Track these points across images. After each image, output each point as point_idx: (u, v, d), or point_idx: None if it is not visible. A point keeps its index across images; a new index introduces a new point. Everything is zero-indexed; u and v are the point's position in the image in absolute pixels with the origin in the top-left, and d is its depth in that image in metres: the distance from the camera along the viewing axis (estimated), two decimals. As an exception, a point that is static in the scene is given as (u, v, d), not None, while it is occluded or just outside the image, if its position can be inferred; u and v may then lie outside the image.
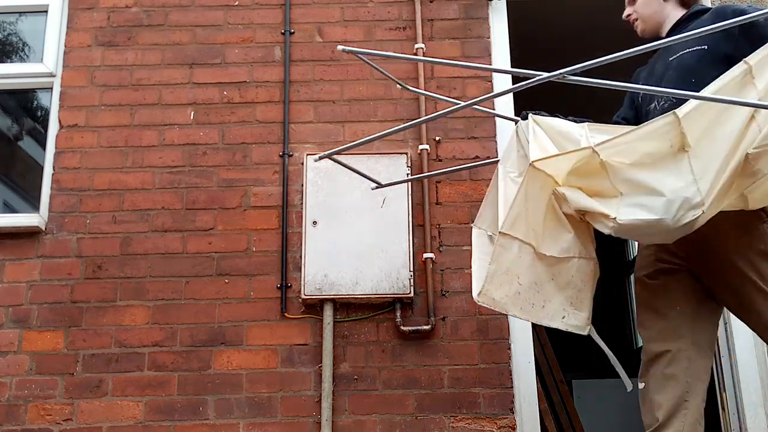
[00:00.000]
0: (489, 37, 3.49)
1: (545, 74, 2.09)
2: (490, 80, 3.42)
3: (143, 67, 3.48)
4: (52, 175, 3.33)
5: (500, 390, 3.02)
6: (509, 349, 3.08)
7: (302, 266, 3.10)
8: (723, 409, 3.27)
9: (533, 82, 2.15)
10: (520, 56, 3.62)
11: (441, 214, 3.24)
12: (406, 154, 3.25)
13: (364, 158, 3.23)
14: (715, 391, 3.45)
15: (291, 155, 3.33)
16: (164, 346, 3.10)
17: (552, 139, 2.38)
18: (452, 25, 3.52)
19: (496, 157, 3.30)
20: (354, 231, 3.13)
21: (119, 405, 3.03)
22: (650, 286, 2.41)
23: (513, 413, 2.99)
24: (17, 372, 3.08)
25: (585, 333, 2.37)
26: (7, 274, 3.20)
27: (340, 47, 2.32)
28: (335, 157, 2.58)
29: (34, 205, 3.37)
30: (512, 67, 3.46)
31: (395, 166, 3.21)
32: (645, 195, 2.09)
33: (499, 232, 2.22)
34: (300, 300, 3.10)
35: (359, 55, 2.43)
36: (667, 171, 2.08)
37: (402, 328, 3.08)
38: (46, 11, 3.57)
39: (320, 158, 2.49)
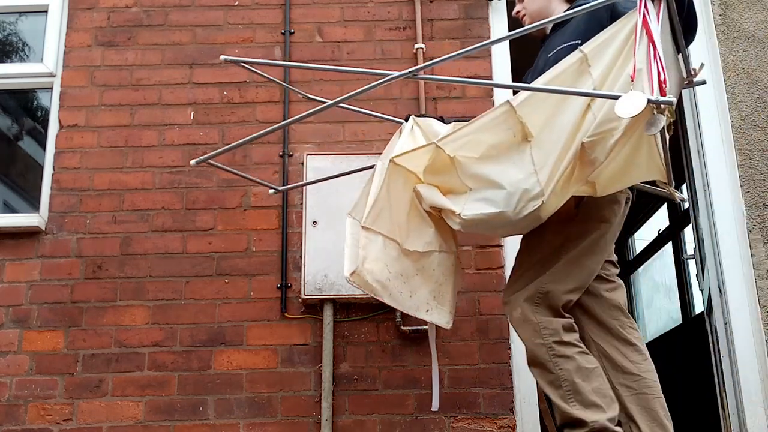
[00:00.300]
0: (489, 37, 3.49)
1: (396, 73, 2.15)
2: (491, 79, 3.42)
3: (143, 67, 3.48)
4: (52, 175, 3.33)
5: (500, 390, 3.02)
6: (509, 349, 3.08)
7: (302, 266, 3.10)
8: (723, 409, 3.27)
9: (382, 82, 2.23)
10: (519, 56, 3.62)
11: (441, 214, 3.24)
12: (406, 154, 3.24)
13: (363, 158, 3.23)
14: (715, 391, 3.45)
15: (291, 155, 3.33)
16: (164, 346, 3.10)
17: (427, 140, 2.42)
18: (452, 25, 3.52)
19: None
20: (354, 231, 3.12)
21: (119, 405, 3.03)
22: None
23: (513, 413, 2.99)
24: (17, 372, 3.08)
25: (449, 327, 2.40)
26: (7, 274, 3.20)
27: (222, 57, 2.39)
28: (213, 161, 2.62)
29: (34, 205, 3.37)
30: (512, 67, 3.46)
31: (395, 166, 3.20)
32: (489, 189, 2.11)
33: (362, 227, 2.24)
34: (300, 300, 3.10)
35: (241, 64, 2.48)
36: (511, 163, 2.10)
37: (402, 328, 3.08)
38: (46, 11, 3.57)
39: (198, 162, 2.53)
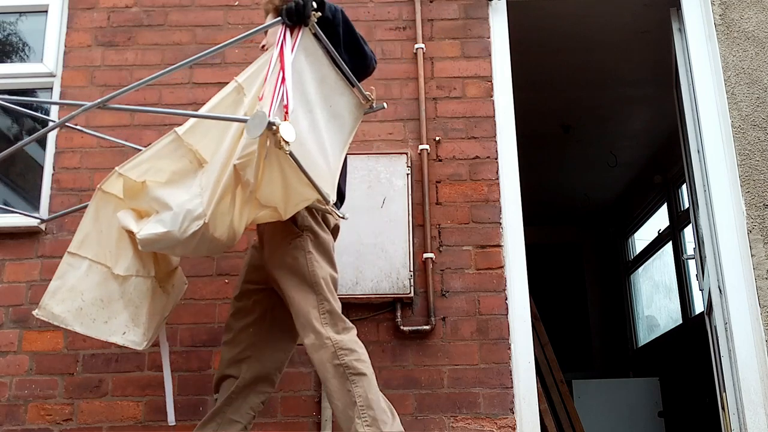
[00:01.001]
0: (489, 37, 3.49)
1: (88, 104, 2.33)
2: (490, 80, 3.42)
3: (143, 67, 3.48)
4: (52, 175, 3.33)
5: (500, 390, 3.02)
6: (509, 349, 3.08)
7: (302, 266, 3.10)
8: (723, 409, 3.27)
9: (75, 114, 2.35)
10: (520, 56, 3.63)
11: (441, 214, 3.24)
12: (406, 154, 3.25)
13: (364, 158, 3.24)
14: (715, 391, 3.45)
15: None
16: (164, 346, 3.10)
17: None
18: (452, 25, 3.52)
19: (496, 157, 3.32)
20: (354, 231, 3.13)
21: (119, 405, 3.03)
22: (234, 305, 2.61)
23: (513, 413, 2.99)
24: (17, 372, 3.08)
25: (141, 348, 2.49)
26: (7, 274, 3.20)
27: None
28: None
29: (34, 205, 3.36)
30: (511, 67, 3.46)
31: (395, 166, 3.22)
32: (164, 210, 2.27)
33: (68, 252, 2.39)
34: (300, 300, 3.10)
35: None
36: (185, 187, 2.27)
37: (402, 328, 3.08)
38: (46, 11, 3.57)
39: None
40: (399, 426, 2.28)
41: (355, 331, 2.37)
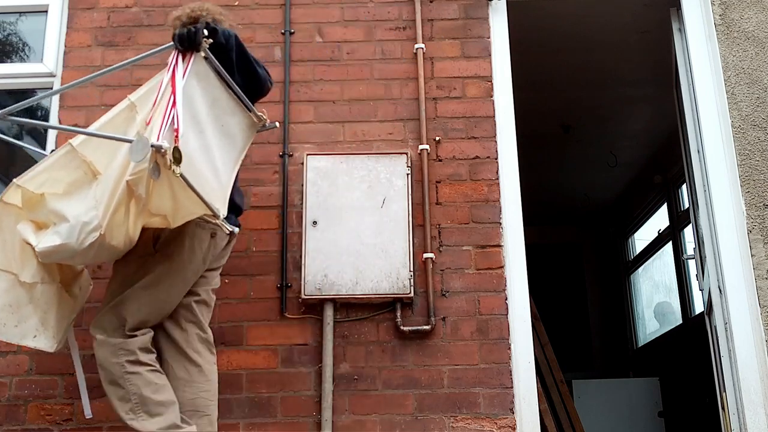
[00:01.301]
0: (489, 37, 3.49)
1: None
2: (490, 80, 3.42)
3: (143, 67, 3.46)
4: (52, 175, 3.33)
5: (500, 390, 3.02)
6: (509, 349, 3.08)
7: (302, 266, 3.10)
8: (723, 409, 3.27)
9: None
10: (520, 56, 3.63)
11: (441, 214, 3.24)
12: (406, 154, 3.25)
13: (364, 158, 3.24)
14: (715, 391, 3.45)
15: (291, 155, 3.33)
16: (164, 346, 3.10)
17: None
18: (452, 25, 3.52)
19: (496, 157, 3.32)
20: (354, 231, 3.13)
21: (119, 405, 3.02)
22: None
23: (513, 413, 2.99)
24: (17, 372, 3.08)
25: (53, 351, 2.59)
26: (7, 274, 3.20)
27: None
28: None
29: (34, 205, 3.36)
30: (511, 67, 3.46)
31: (395, 166, 3.22)
32: (61, 222, 2.34)
33: None
34: (300, 300, 3.10)
35: None
36: (81, 198, 2.34)
37: (402, 328, 3.08)
38: (46, 11, 3.57)
39: None
40: (174, 418, 2.42)
41: (147, 337, 2.49)
